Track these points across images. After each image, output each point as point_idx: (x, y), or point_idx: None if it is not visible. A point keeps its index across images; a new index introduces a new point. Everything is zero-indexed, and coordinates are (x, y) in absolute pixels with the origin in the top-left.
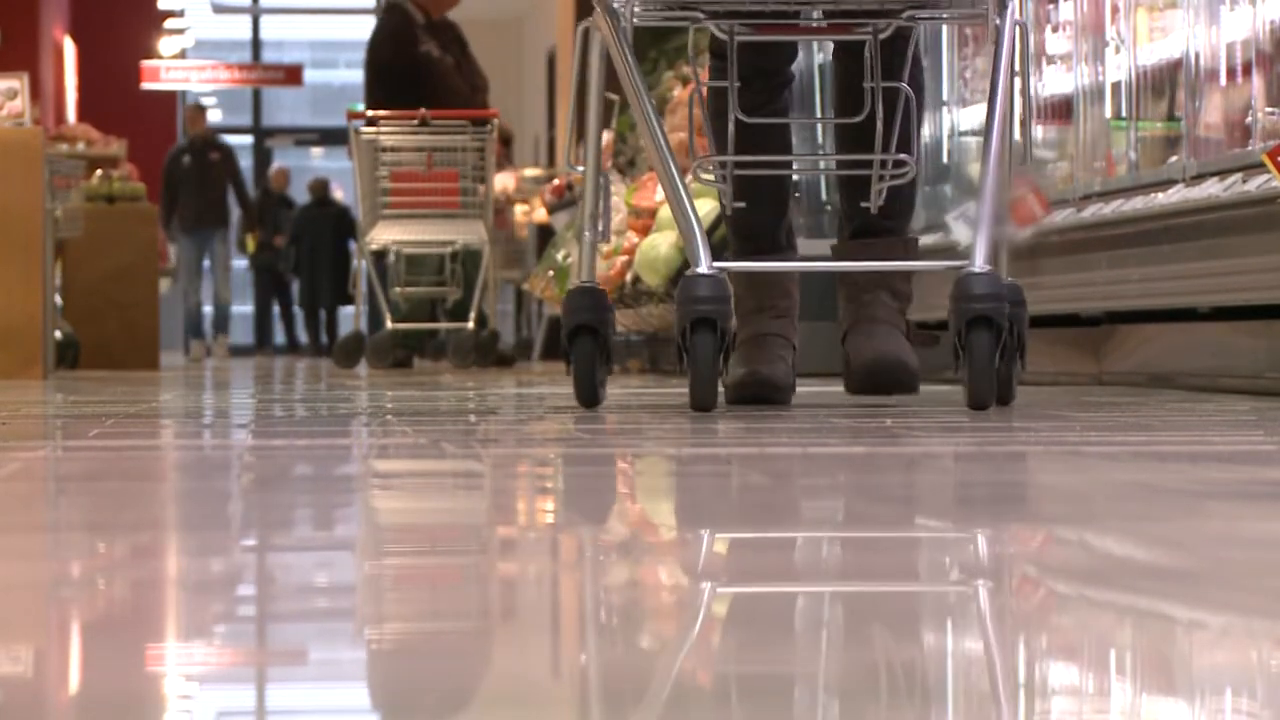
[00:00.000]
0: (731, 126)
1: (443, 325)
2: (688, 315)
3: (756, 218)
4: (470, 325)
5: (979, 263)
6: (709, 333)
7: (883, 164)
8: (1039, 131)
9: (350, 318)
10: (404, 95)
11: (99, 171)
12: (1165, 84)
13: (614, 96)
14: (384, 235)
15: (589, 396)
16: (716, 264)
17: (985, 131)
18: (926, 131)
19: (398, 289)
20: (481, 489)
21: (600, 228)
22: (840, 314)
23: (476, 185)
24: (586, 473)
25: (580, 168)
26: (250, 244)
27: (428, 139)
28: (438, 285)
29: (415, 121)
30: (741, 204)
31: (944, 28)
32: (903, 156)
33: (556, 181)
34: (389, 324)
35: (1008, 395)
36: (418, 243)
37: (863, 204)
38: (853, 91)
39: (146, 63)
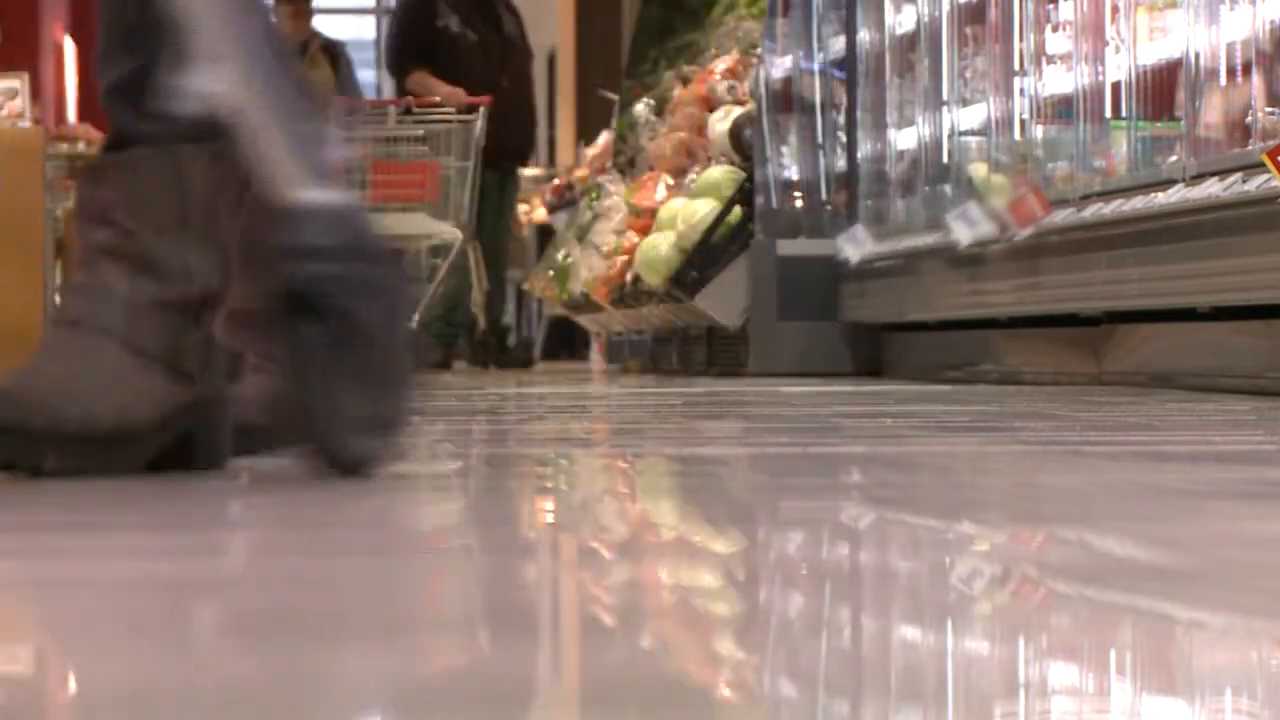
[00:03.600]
0: None
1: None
2: None
3: None
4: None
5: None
6: None
7: None
8: (1038, 130)
9: None
10: (422, 68)
11: None
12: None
13: (613, 96)
14: None
15: None
16: None
17: None
18: (926, 131)
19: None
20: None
21: None
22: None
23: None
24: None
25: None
26: None
27: (396, 130)
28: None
29: (399, 110)
30: None
31: (944, 27)
32: None
33: (556, 181)
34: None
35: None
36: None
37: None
38: None
39: None
